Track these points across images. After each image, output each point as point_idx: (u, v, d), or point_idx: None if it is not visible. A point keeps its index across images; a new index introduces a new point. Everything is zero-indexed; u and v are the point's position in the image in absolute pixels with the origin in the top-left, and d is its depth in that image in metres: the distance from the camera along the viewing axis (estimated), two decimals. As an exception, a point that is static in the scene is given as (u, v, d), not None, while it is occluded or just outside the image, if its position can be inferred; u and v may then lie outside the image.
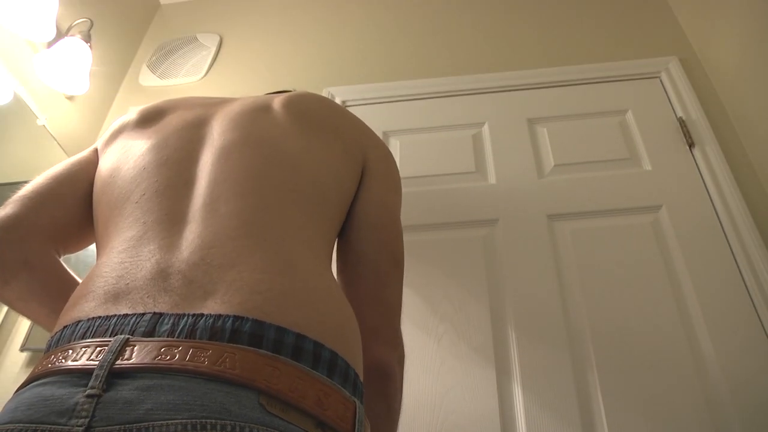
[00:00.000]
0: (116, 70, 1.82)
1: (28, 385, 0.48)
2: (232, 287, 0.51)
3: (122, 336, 0.47)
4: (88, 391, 0.43)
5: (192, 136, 0.69)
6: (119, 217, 0.61)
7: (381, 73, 1.69)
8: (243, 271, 0.52)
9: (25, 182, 0.75)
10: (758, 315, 1.13)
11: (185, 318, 0.48)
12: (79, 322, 0.51)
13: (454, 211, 1.37)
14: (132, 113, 0.78)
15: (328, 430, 0.47)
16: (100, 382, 0.43)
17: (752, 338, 1.11)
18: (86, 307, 0.52)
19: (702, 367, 1.10)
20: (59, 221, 0.71)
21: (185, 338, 0.46)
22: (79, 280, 0.73)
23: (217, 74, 1.81)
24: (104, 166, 0.71)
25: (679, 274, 1.21)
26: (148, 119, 0.75)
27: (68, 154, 1.45)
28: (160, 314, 0.48)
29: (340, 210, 0.71)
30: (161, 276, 0.52)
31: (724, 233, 1.25)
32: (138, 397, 0.42)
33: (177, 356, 0.45)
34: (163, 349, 0.45)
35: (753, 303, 1.15)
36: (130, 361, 0.45)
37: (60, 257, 0.73)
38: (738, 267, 1.20)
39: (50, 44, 1.46)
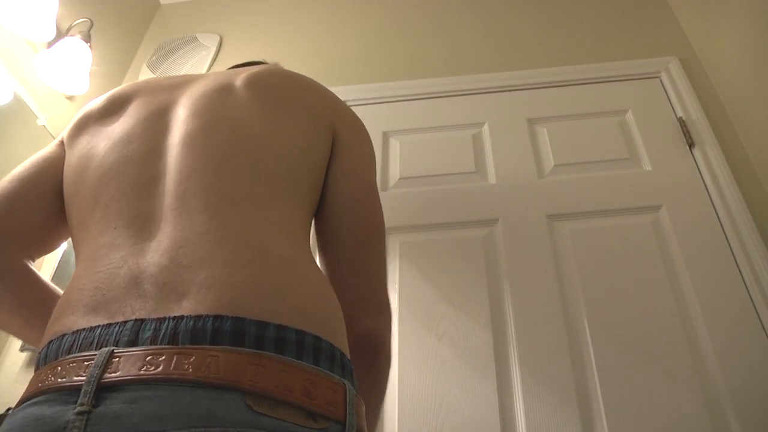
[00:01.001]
0: (116, 70, 1.82)
1: (21, 405, 0.48)
2: (204, 285, 0.50)
3: (107, 348, 0.46)
4: (78, 408, 0.43)
5: (156, 127, 0.66)
6: (90, 221, 0.60)
7: (381, 73, 1.69)
8: (214, 267, 0.51)
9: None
10: (758, 315, 1.13)
11: (165, 322, 0.47)
12: (64, 335, 0.51)
13: (454, 211, 1.37)
14: (97, 100, 0.74)
15: (318, 419, 0.46)
16: (88, 398, 0.43)
17: (752, 338, 1.11)
18: (68, 320, 0.52)
19: (702, 366, 1.10)
20: (27, 225, 0.68)
21: (168, 344, 0.46)
22: (54, 287, 0.71)
23: (217, 74, 1.81)
24: (71, 164, 0.68)
25: (679, 274, 1.21)
26: (112, 109, 0.72)
27: (68, 154, 1.45)
28: (141, 321, 0.48)
29: (312, 187, 0.69)
30: (134, 282, 0.51)
31: (724, 233, 1.25)
32: (126, 410, 0.42)
33: (161, 366, 0.44)
34: (148, 359, 0.45)
35: (753, 303, 1.15)
36: (117, 374, 0.44)
37: (33, 262, 0.70)
38: (738, 267, 1.20)
39: (50, 44, 1.46)
